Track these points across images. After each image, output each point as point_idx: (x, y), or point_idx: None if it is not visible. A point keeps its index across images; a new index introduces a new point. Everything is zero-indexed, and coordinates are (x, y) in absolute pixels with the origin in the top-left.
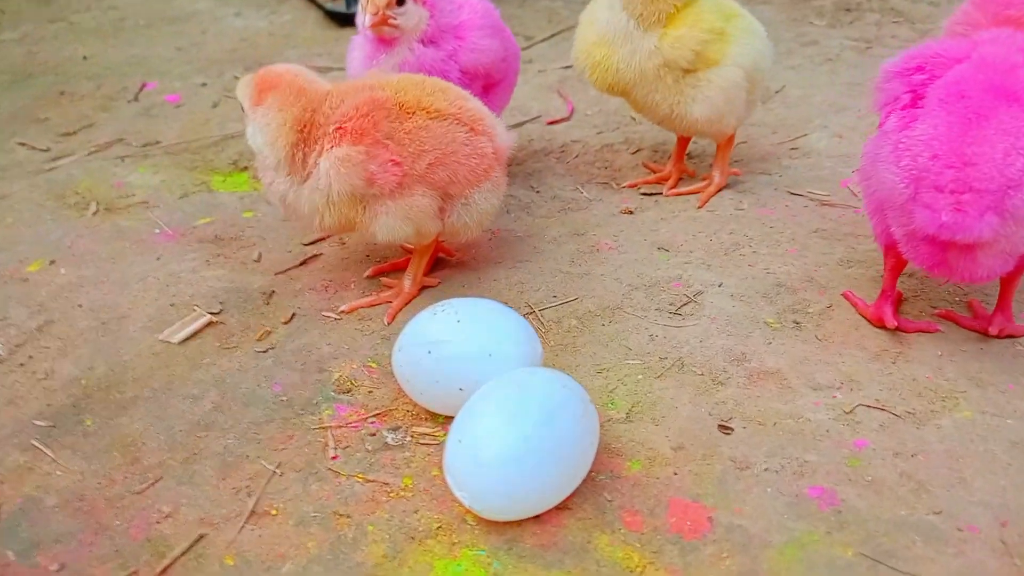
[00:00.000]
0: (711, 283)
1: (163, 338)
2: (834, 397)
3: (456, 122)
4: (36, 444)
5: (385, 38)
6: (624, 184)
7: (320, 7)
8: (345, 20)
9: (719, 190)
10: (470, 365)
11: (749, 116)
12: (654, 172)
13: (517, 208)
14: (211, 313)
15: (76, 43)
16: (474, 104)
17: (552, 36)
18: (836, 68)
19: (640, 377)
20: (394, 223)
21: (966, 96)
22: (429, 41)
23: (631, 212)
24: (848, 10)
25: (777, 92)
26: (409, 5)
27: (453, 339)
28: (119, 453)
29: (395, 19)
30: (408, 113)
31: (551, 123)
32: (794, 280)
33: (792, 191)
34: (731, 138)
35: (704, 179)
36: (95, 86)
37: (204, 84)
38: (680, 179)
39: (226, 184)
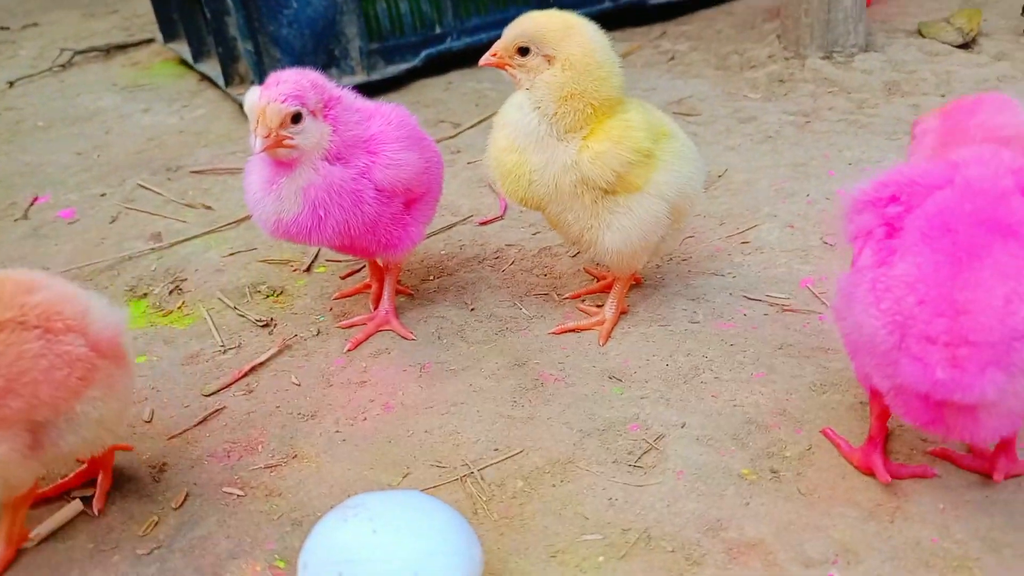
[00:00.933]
0: (672, 423)
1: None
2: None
3: (20, 327)
4: None
5: (283, 160)
6: (566, 296)
7: (235, 100)
8: None
9: (615, 325)
10: None
11: (674, 247)
12: (597, 279)
13: (450, 332)
14: (83, 499)
15: None
16: (44, 295)
17: (480, 122)
18: (777, 147)
19: (602, 559)
20: None
21: (952, 230)
22: (336, 158)
23: (576, 331)
24: (781, 81)
25: (720, 177)
26: (307, 122)
27: (370, 556)
28: None
29: (291, 139)
30: None
31: (483, 223)
32: (765, 414)
33: (748, 295)
34: (633, 275)
35: (594, 313)
36: None
37: (103, 195)
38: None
39: None
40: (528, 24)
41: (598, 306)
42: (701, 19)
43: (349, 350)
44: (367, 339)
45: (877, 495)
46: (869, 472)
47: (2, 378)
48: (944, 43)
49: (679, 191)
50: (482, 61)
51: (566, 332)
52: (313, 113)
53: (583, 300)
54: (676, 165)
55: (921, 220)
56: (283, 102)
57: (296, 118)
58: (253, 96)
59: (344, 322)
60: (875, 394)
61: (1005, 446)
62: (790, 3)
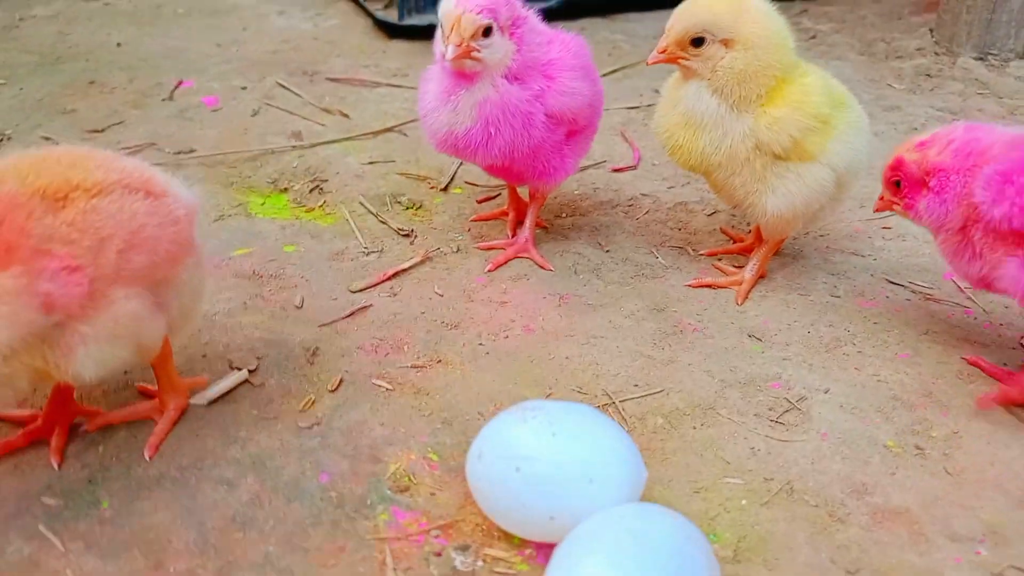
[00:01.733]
0: (816, 388)
1: (193, 401)
2: (978, 554)
3: (127, 191)
4: (44, 530)
5: (466, 72)
6: (702, 252)
7: (371, 15)
8: (395, 32)
9: (752, 287)
10: (568, 490)
11: (829, 218)
12: (734, 240)
13: (586, 269)
14: (248, 370)
15: (110, 27)
16: (130, 162)
17: (614, 71)
18: None
19: (744, 502)
20: (103, 350)
21: None
22: (514, 78)
23: (715, 286)
24: (929, 76)
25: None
26: (495, 37)
27: (548, 456)
28: (140, 552)
29: (479, 51)
30: (59, 199)
31: (616, 170)
32: (910, 393)
33: (891, 279)
34: (782, 240)
35: (732, 273)
36: (128, 78)
37: (244, 88)
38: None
39: (265, 208)
40: (698, 12)
41: (736, 266)
42: (844, 2)
43: (490, 270)
44: (506, 263)
45: None
46: None
47: (124, 235)
48: None
49: (849, 163)
50: (651, 60)
51: (703, 286)
52: (502, 29)
53: (720, 259)
54: (849, 136)
55: None
56: (478, 13)
57: (487, 31)
58: (449, 3)
59: (483, 244)
60: None
61: None
62: None
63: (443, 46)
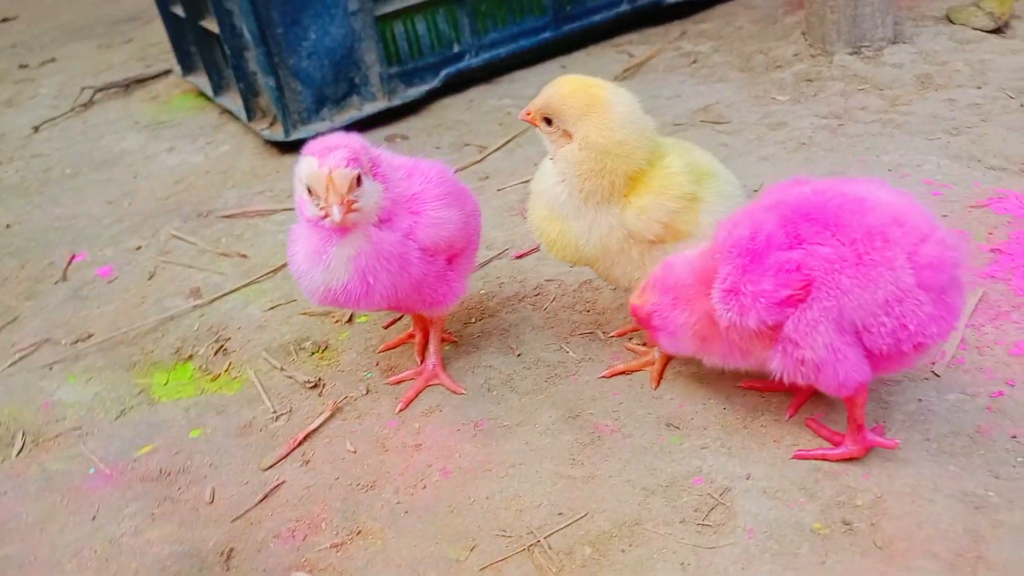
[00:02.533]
0: (737, 475)
1: None
2: None
3: None
4: None
5: (347, 226)
6: (611, 334)
7: (258, 134)
8: (285, 148)
9: (665, 366)
10: None
11: None
12: None
13: (499, 383)
14: None
15: None
16: None
17: (506, 143)
18: (812, 154)
19: None
20: None
21: None
22: (382, 221)
23: (628, 372)
24: (809, 80)
25: (756, 192)
26: (366, 183)
27: None
28: None
29: (357, 202)
30: None
31: (519, 256)
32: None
33: None
34: None
35: (643, 352)
36: (19, 264)
37: (138, 248)
38: None
39: (168, 389)
40: (551, 95)
41: (645, 344)
42: (720, 15)
43: (400, 410)
44: (417, 396)
45: (956, 543)
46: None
47: None
48: (975, 29)
49: None
50: (520, 115)
51: (616, 375)
52: (366, 173)
53: (630, 338)
54: (719, 205)
55: None
56: (347, 166)
57: (358, 180)
58: (311, 166)
59: (393, 378)
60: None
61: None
62: (814, 0)
63: (313, 209)
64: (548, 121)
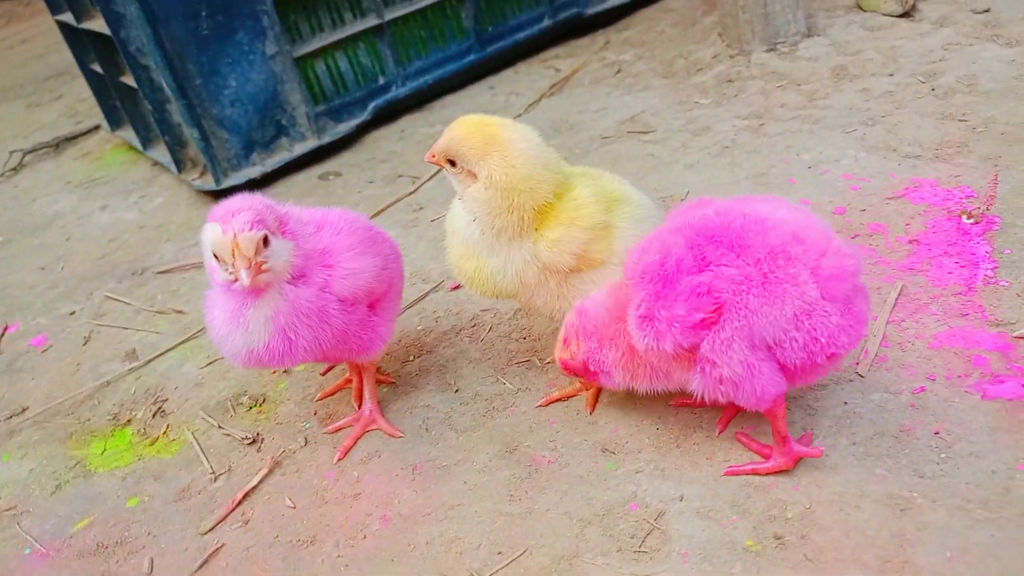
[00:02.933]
0: (671, 497)
1: None
2: None
3: None
4: None
5: (260, 287)
6: (547, 360)
7: (190, 185)
8: (218, 196)
9: (600, 390)
10: None
11: None
12: None
13: (437, 422)
14: None
15: None
16: None
17: (439, 172)
18: (735, 158)
19: None
20: None
21: None
22: (297, 277)
23: (565, 399)
24: (730, 81)
25: (683, 200)
26: (274, 242)
27: None
28: None
29: (266, 262)
30: None
31: (454, 288)
32: (761, 474)
33: None
34: None
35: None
36: None
37: (72, 313)
38: None
39: (105, 459)
40: (451, 137)
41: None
42: (641, 21)
43: (339, 460)
44: (355, 443)
45: (884, 550)
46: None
47: None
48: (885, 15)
49: None
50: (425, 158)
51: (552, 402)
52: (273, 232)
53: None
54: (633, 230)
55: None
56: (251, 229)
57: (265, 241)
58: (216, 233)
59: (331, 427)
60: (779, 399)
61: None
62: (725, 1)
63: (223, 273)
64: (452, 163)
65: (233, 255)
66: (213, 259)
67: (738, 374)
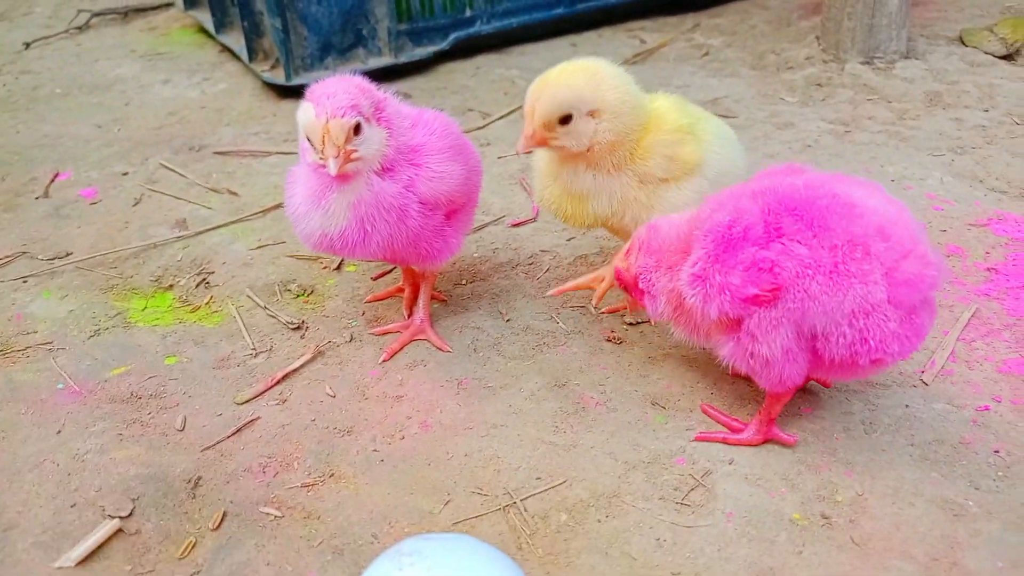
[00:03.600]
0: (720, 459)
1: (59, 564)
2: None
3: None
4: None
5: (346, 174)
6: (602, 310)
7: (258, 76)
8: (284, 92)
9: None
10: None
11: None
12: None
13: (486, 346)
14: (120, 517)
15: None
16: None
17: (511, 112)
18: (817, 157)
19: None
20: None
21: None
22: (386, 170)
23: (619, 341)
24: (819, 85)
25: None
26: (366, 130)
27: None
28: None
29: (357, 151)
30: None
31: (515, 225)
32: (815, 454)
33: None
34: None
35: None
36: (0, 176)
37: (125, 174)
38: None
39: (146, 315)
40: (559, 91)
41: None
42: (734, 12)
43: (384, 360)
44: (402, 349)
45: (933, 548)
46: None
47: None
48: (987, 53)
49: (722, 170)
50: (521, 149)
51: (564, 292)
52: (367, 120)
53: (622, 315)
54: (715, 145)
55: None
56: (343, 116)
57: (357, 129)
58: (309, 114)
59: (378, 329)
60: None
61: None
62: (833, 5)
63: (314, 155)
64: (565, 120)
65: (323, 141)
66: (305, 139)
67: (774, 356)
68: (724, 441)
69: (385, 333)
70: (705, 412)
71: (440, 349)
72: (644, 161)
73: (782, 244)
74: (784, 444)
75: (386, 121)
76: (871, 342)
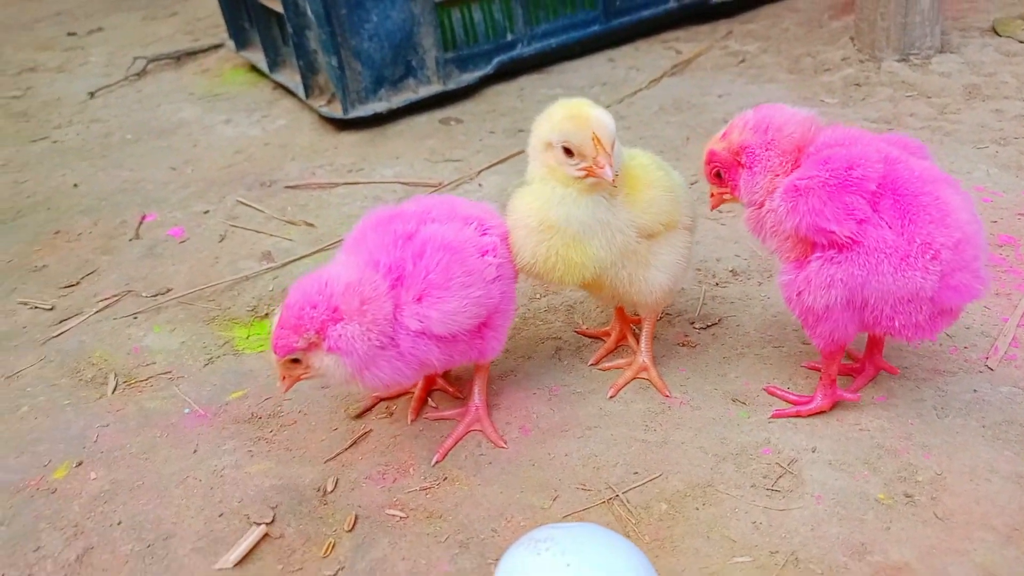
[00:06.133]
0: (804, 448)
1: (219, 566)
2: None
3: None
4: None
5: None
6: (589, 363)
7: (315, 111)
8: (343, 125)
9: (637, 376)
10: None
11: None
12: (602, 337)
13: (568, 354)
14: (265, 523)
15: (63, 168)
16: None
17: None
18: None
19: None
20: None
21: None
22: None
23: (692, 345)
24: (858, 85)
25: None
26: (308, 357)
27: None
28: None
29: (306, 372)
30: None
31: None
32: (892, 439)
33: None
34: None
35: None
36: (91, 222)
37: (206, 212)
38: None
39: (250, 343)
40: (563, 126)
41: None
42: (766, 16)
43: (437, 463)
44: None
45: (1013, 519)
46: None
47: None
48: (1021, 42)
49: (692, 217)
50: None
51: (619, 390)
52: (308, 349)
53: (612, 359)
54: (684, 194)
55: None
56: (280, 355)
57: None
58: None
59: (433, 415)
60: (842, 349)
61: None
62: (865, 6)
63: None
64: (568, 152)
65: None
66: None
67: (818, 308)
68: (797, 414)
69: (441, 419)
70: (771, 393)
71: (495, 444)
72: (646, 212)
73: (878, 215)
74: (851, 401)
75: (336, 344)
76: (896, 323)
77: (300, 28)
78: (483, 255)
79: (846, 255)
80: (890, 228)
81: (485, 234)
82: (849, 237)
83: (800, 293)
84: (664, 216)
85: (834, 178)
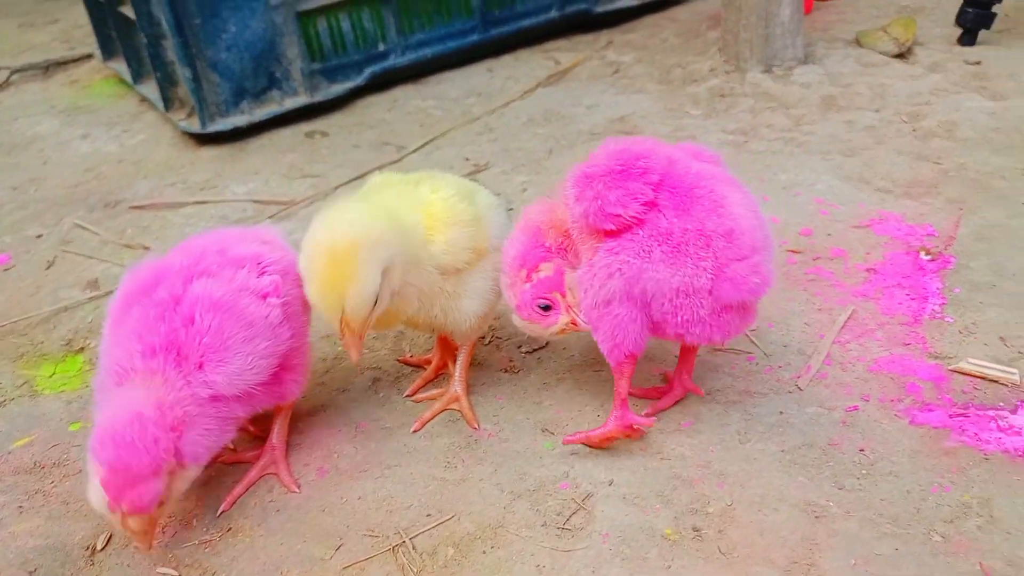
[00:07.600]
0: (601, 480)
1: None
2: None
3: None
4: None
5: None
6: (405, 395)
7: (175, 125)
8: (202, 139)
9: (448, 407)
10: None
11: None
12: (423, 366)
13: (386, 384)
14: None
15: None
16: None
17: (424, 145)
18: None
19: None
20: None
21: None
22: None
23: (516, 371)
24: (723, 96)
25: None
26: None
27: None
28: None
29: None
30: None
31: None
32: (691, 468)
33: None
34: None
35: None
36: None
37: (39, 236)
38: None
39: (53, 382)
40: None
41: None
42: (646, 26)
43: (223, 511)
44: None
45: (794, 552)
46: (628, 432)
47: None
48: (880, 53)
49: (503, 238)
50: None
51: (425, 423)
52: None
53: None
54: (492, 217)
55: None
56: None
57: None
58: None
59: (230, 457)
60: (631, 359)
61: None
62: (728, 19)
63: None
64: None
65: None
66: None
67: (601, 303)
68: (587, 438)
69: (237, 462)
70: (568, 442)
71: (288, 489)
72: (447, 253)
73: (657, 202)
74: (646, 425)
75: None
76: (679, 318)
77: (155, 38)
78: (264, 299)
79: (623, 243)
80: (665, 218)
81: (264, 273)
82: (634, 217)
83: (587, 290)
84: (466, 253)
85: (620, 166)
